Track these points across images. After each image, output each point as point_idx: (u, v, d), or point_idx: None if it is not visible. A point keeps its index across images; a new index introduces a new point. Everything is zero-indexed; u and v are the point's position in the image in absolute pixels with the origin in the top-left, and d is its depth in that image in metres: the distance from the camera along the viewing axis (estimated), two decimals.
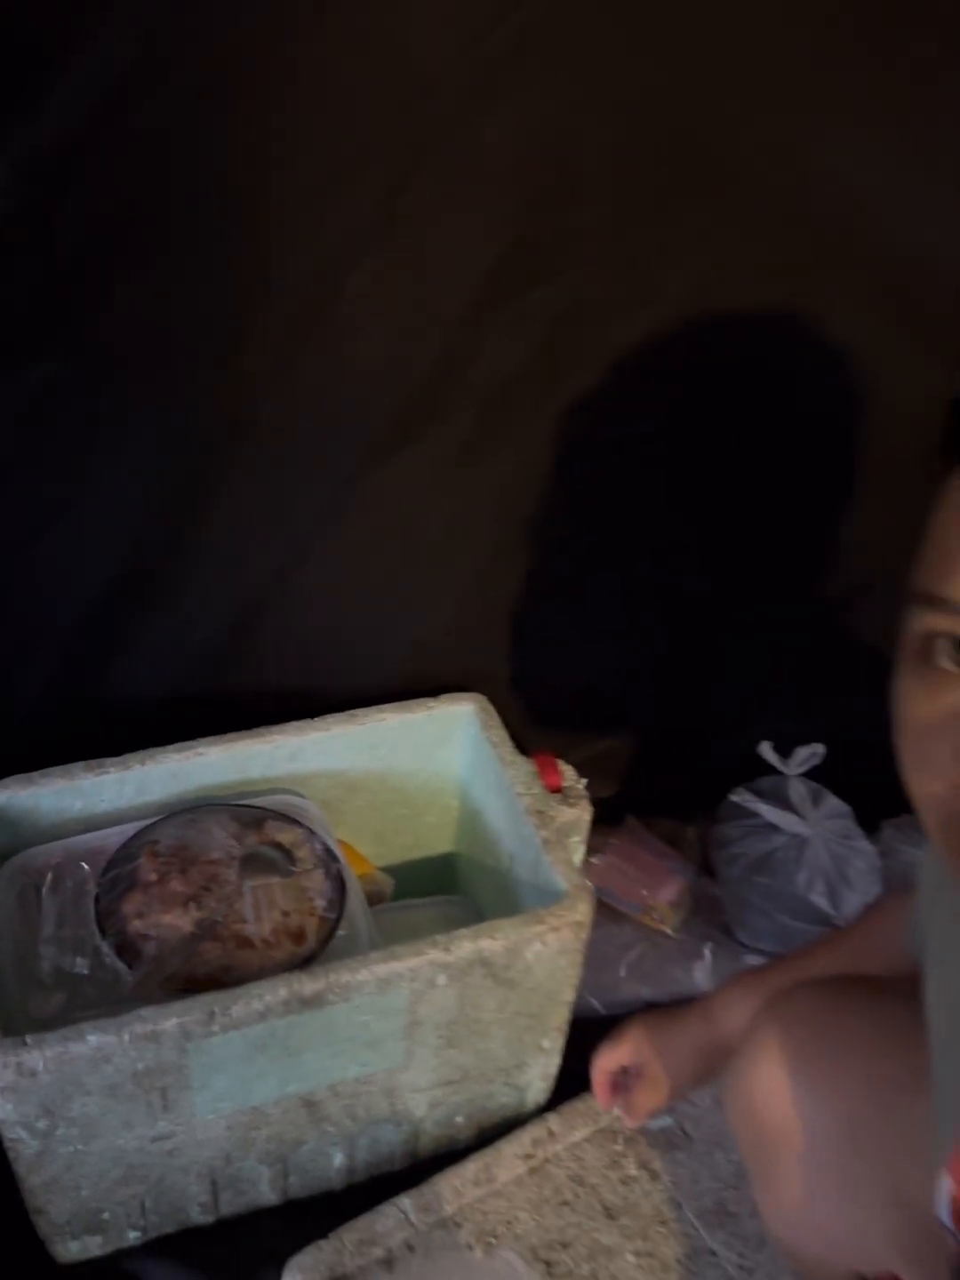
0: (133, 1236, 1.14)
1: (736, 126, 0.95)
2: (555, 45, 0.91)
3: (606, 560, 1.25)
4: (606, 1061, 1.07)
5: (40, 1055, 0.95)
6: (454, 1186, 1.14)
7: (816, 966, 1.00)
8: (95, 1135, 1.02)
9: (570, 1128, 1.20)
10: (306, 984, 1.01)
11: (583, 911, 1.09)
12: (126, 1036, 0.97)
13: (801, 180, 0.97)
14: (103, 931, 1.06)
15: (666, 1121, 1.22)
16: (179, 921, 1.07)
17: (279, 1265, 1.13)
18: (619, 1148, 1.20)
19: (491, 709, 1.25)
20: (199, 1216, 1.16)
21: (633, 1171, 1.18)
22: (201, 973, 1.05)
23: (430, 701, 1.26)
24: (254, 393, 1.06)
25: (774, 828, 1.38)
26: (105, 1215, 1.11)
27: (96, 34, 0.86)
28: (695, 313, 1.03)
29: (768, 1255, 1.13)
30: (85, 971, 1.06)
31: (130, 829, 1.14)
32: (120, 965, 1.04)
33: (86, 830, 1.15)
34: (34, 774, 1.14)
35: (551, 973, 1.11)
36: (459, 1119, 1.20)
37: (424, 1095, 1.16)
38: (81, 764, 1.15)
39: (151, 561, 1.15)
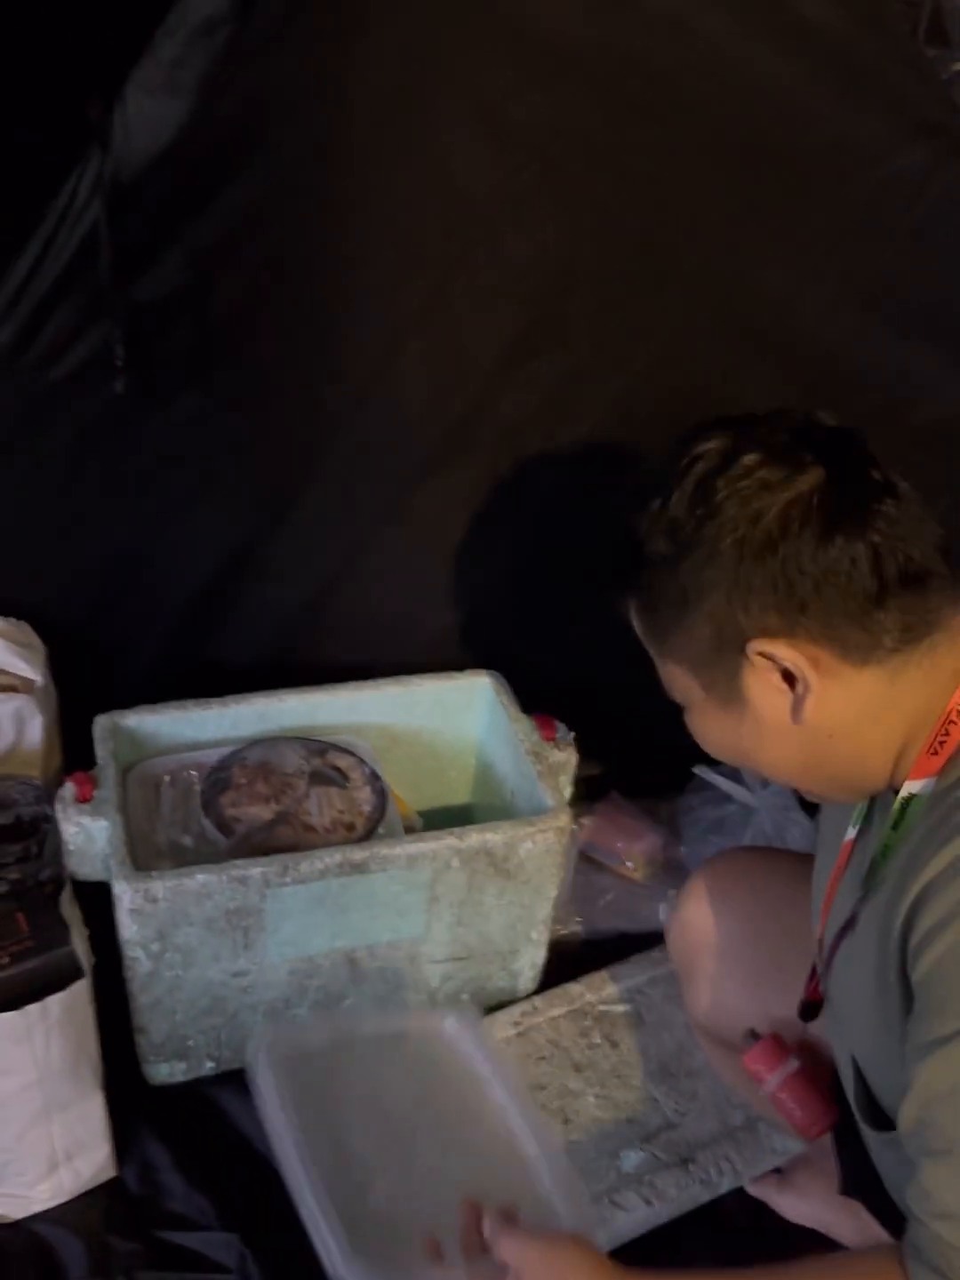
0: (209, 1067, 1.47)
1: (684, 245, 1.35)
2: (560, 185, 1.32)
3: (601, 569, 1.61)
4: None
5: (161, 885, 1.30)
6: None
7: None
8: (192, 964, 1.36)
9: (551, 1006, 1.53)
10: (356, 853, 1.36)
11: (564, 822, 1.44)
12: (224, 878, 1.32)
13: (729, 284, 1.37)
14: (206, 814, 1.42)
15: (626, 1007, 1.54)
16: (262, 811, 1.43)
17: None
18: (588, 1023, 1.52)
19: (504, 682, 1.61)
20: None
21: (597, 1040, 1.50)
22: (276, 847, 1.40)
23: (458, 674, 1.62)
24: (333, 427, 1.45)
25: (728, 798, 1.73)
26: (190, 1042, 1.44)
27: (243, 170, 1.27)
28: (655, 377, 1.41)
29: (697, 1105, 1.44)
30: (190, 844, 1.43)
31: (227, 750, 1.50)
32: (218, 836, 1.40)
33: (194, 750, 1.52)
34: (157, 706, 1.51)
35: (540, 868, 1.45)
36: (464, 996, 1.53)
37: (439, 967, 1.49)
38: (193, 701, 1.52)
39: (249, 553, 1.53)
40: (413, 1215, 1.08)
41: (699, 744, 1.04)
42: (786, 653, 0.91)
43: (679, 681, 1.01)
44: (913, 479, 1.56)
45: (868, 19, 1.23)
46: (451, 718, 1.64)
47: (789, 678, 0.93)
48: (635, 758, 1.78)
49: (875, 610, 0.90)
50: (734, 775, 1.73)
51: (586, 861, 1.75)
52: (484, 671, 1.62)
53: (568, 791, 1.55)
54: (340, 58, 1.20)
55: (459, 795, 1.71)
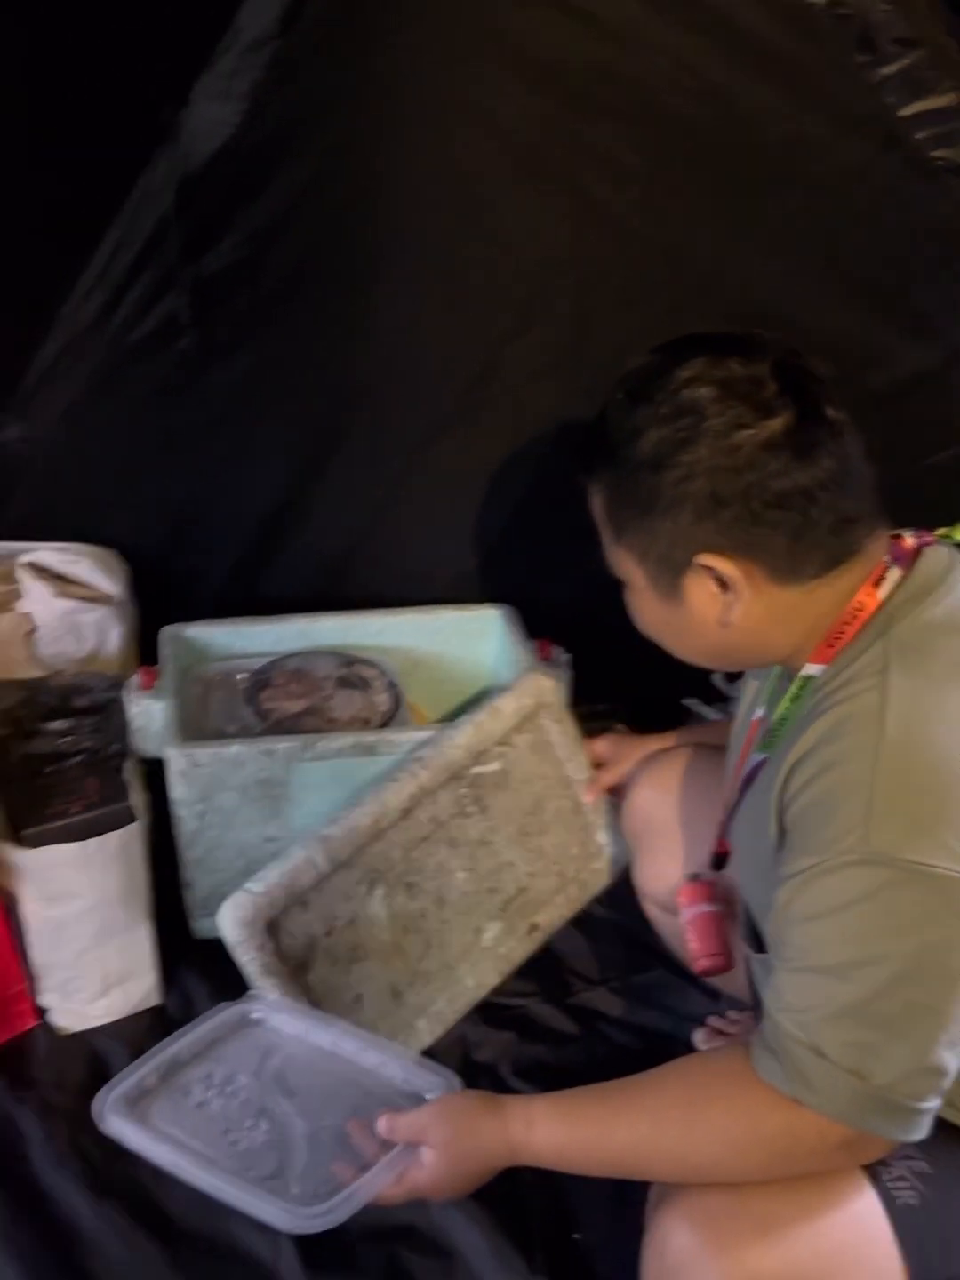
0: None
1: (658, 226, 1.58)
2: (548, 176, 1.56)
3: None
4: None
5: (204, 753, 1.55)
6: (351, 838, 1.51)
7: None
8: (230, 826, 1.61)
9: (435, 779, 1.58)
10: (367, 737, 1.61)
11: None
12: (256, 749, 1.56)
13: (699, 261, 1.60)
14: (247, 705, 1.69)
15: (497, 766, 1.64)
16: (293, 705, 1.69)
17: None
18: (463, 791, 1.61)
19: (515, 614, 1.84)
20: None
21: (470, 809, 1.61)
22: (302, 731, 1.65)
23: (474, 606, 1.86)
24: (364, 386, 1.72)
25: None
26: None
27: (286, 164, 1.54)
28: (638, 342, 1.58)
29: (543, 865, 1.63)
30: (233, 730, 1.69)
31: (270, 658, 1.77)
32: (255, 721, 1.66)
33: (243, 658, 1.79)
34: (215, 620, 1.79)
35: None
36: None
37: None
38: (245, 618, 1.80)
39: (295, 498, 1.80)
40: (319, 1162, 1.16)
41: (631, 618, 1.21)
42: (729, 568, 1.06)
43: (626, 566, 1.15)
44: (869, 436, 1.77)
45: (808, 33, 1.45)
46: (468, 645, 1.88)
47: (722, 585, 1.09)
48: (640, 693, 1.99)
49: (809, 547, 1.07)
50: (720, 706, 1.94)
51: None
52: (497, 605, 1.85)
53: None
54: (363, 70, 1.47)
55: None
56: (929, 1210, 1.05)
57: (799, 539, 1.07)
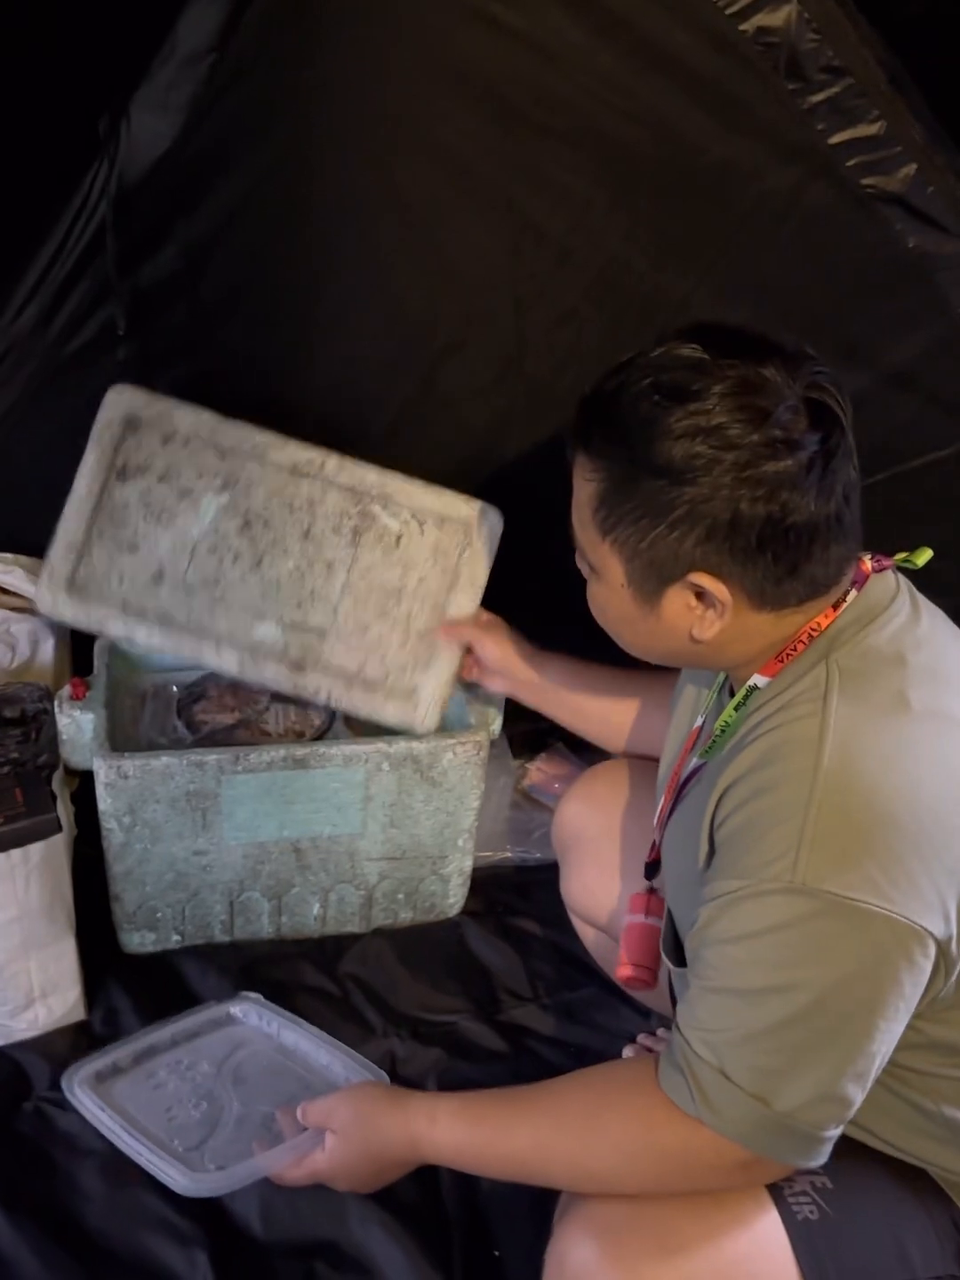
0: (175, 939, 1.71)
1: (592, 247, 1.58)
2: (483, 194, 1.56)
3: (539, 544, 1.84)
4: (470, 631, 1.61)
5: (131, 764, 1.55)
6: (240, 433, 1.61)
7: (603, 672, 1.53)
8: (158, 839, 1.61)
9: (337, 475, 1.62)
10: (298, 749, 1.60)
11: (481, 737, 1.66)
12: (185, 761, 1.56)
13: (632, 282, 1.60)
14: (178, 716, 1.68)
15: (393, 524, 1.63)
16: (226, 717, 1.68)
17: (269, 975, 1.68)
18: (352, 513, 1.60)
19: None
20: (220, 935, 1.72)
21: (343, 528, 1.60)
22: (234, 744, 1.64)
23: None
24: (302, 400, 1.70)
25: None
26: (159, 914, 1.67)
27: (225, 176, 1.55)
28: (570, 365, 1.65)
29: (353, 643, 1.59)
30: (165, 742, 1.68)
31: (205, 671, 1.76)
32: (186, 733, 1.65)
33: (180, 670, 1.77)
34: None
35: (462, 778, 1.67)
36: (400, 896, 1.76)
37: (375, 865, 1.71)
38: None
39: None
40: (240, 1141, 1.27)
41: (590, 607, 1.18)
42: (719, 589, 1.05)
43: (606, 562, 1.11)
44: None
45: (738, 60, 1.47)
46: None
47: (703, 601, 1.08)
48: None
49: (800, 579, 1.06)
50: None
51: (529, 801, 1.97)
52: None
53: (497, 722, 1.75)
54: (301, 85, 1.47)
55: None
56: (829, 1225, 1.06)
57: (795, 572, 1.06)
